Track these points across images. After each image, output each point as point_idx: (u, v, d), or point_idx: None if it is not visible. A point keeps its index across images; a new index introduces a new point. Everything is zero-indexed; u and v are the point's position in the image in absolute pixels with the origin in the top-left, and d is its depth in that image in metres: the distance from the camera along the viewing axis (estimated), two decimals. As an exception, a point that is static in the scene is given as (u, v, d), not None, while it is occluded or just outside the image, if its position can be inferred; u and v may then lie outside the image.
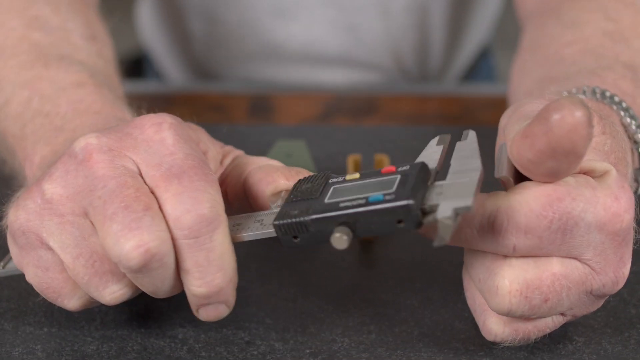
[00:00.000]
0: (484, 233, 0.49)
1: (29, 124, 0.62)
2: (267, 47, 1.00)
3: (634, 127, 0.59)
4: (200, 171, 0.50)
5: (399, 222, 0.47)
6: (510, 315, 0.50)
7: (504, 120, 0.54)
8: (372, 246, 0.65)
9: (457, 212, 0.46)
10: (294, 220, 0.49)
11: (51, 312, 0.59)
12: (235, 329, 0.58)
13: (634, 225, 0.51)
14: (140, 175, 0.51)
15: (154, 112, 0.55)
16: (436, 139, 0.54)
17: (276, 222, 0.50)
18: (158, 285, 0.51)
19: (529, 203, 0.48)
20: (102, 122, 0.59)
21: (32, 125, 0.62)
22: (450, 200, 0.47)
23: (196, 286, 0.50)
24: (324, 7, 0.97)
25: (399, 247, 0.65)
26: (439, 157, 0.52)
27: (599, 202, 0.49)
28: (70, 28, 0.69)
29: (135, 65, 1.19)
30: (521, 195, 0.49)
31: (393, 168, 0.50)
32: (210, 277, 0.50)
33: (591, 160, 0.51)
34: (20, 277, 0.62)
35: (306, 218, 0.49)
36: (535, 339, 0.53)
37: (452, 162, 0.50)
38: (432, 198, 0.48)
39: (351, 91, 0.90)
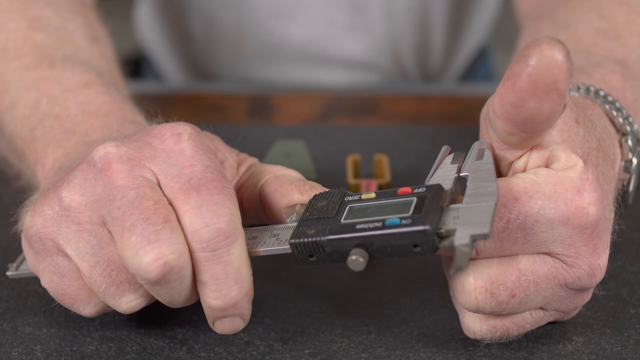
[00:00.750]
0: None
1: (38, 127, 0.62)
2: (267, 48, 1.00)
3: (620, 119, 0.59)
4: (219, 184, 0.50)
5: (415, 246, 0.47)
6: (479, 311, 0.51)
7: (483, 110, 0.54)
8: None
9: (474, 239, 0.46)
10: (310, 239, 0.50)
11: (50, 313, 0.59)
12: (235, 329, 0.58)
13: (607, 215, 0.51)
14: (159, 185, 0.51)
15: (157, 113, 0.55)
16: (450, 157, 0.53)
17: (292, 241, 0.50)
18: (175, 296, 0.51)
19: None
20: (112, 124, 0.60)
21: (42, 128, 0.62)
22: (467, 226, 0.47)
23: (212, 298, 0.50)
24: (323, 7, 0.97)
25: (398, 247, 0.65)
26: (454, 177, 0.52)
27: (560, 197, 0.49)
28: (72, 29, 0.69)
29: (134, 66, 1.19)
30: None
31: (409, 189, 0.50)
32: (227, 290, 0.50)
33: (559, 148, 0.51)
34: (20, 277, 0.62)
35: (323, 238, 0.49)
36: (518, 336, 0.54)
37: (469, 183, 0.50)
38: (449, 222, 0.48)
39: (351, 91, 0.90)
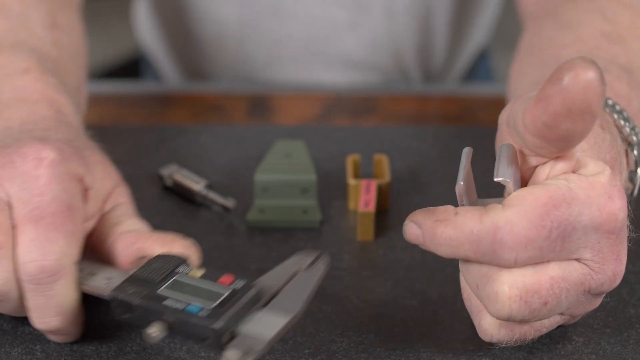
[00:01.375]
0: (483, 249, 0.49)
1: None
2: (267, 47, 1.00)
3: (627, 129, 0.59)
4: (59, 220, 0.52)
5: (205, 339, 0.48)
6: (510, 320, 0.51)
7: (504, 114, 0.54)
8: (371, 247, 0.65)
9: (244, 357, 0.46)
10: (123, 297, 0.51)
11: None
12: (235, 329, 0.57)
13: (628, 223, 0.51)
14: (10, 207, 0.53)
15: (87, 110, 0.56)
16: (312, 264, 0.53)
17: (112, 293, 0.52)
18: (7, 311, 0.55)
19: (527, 215, 0.48)
20: (35, 114, 0.60)
21: None
22: (244, 341, 0.47)
23: (35, 323, 0.54)
24: (323, 6, 0.97)
25: (398, 247, 0.65)
26: (287, 277, 0.52)
27: (593, 203, 0.49)
28: (31, 16, 0.70)
29: (133, 66, 1.19)
30: (518, 208, 0.49)
31: (231, 278, 0.51)
32: (49, 319, 0.54)
33: (586, 155, 0.51)
34: (19, 278, 0.62)
35: (133, 301, 0.51)
36: (532, 339, 0.53)
37: (285, 288, 0.51)
38: (244, 327, 0.48)
39: (351, 91, 0.90)
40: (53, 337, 0.56)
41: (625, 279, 0.62)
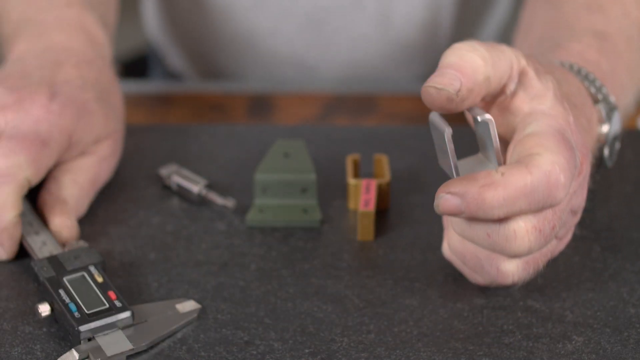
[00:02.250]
0: (539, 197, 0.53)
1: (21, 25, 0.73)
2: (272, 17, 0.99)
3: (593, 89, 0.64)
4: (30, 144, 0.63)
5: (70, 334, 0.56)
6: (530, 252, 0.54)
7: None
8: (371, 246, 0.65)
9: None
10: (36, 270, 0.59)
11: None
12: (235, 329, 0.58)
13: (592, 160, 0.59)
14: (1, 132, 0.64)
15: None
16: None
17: (32, 262, 0.60)
18: None
19: (560, 151, 0.53)
20: (72, 42, 0.71)
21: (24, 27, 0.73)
22: (91, 348, 0.55)
23: None
24: (330, 18, 0.96)
25: (398, 247, 0.65)
26: (159, 312, 0.58)
27: (561, 120, 0.56)
28: None
29: (133, 66, 1.19)
30: (549, 150, 0.53)
31: (115, 297, 0.57)
32: None
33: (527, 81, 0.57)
34: (19, 277, 0.62)
35: (40, 276, 0.59)
36: (543, 267, 0.57)
37: (151, 321, 0.57)
38: (102, 337, 0.56)
39: (351, 91, 0.90)
40: None
41: (625, 279, 0.62)
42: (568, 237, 0.60)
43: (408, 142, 0.77)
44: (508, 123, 0.57)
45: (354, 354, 0.55)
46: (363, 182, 0.67)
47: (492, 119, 0.55)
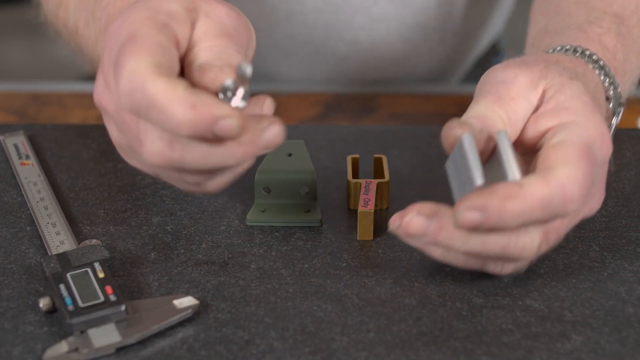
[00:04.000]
0: (554, 208, 0.55)
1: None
2: (280, 42, 0.99)
3: (607, 84, 0.65)
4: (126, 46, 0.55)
5: (66, 324, 0.57)
6: (535, 257, 0.58)
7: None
8: (370, 246, 0.65)
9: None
10: (43, 266, 0.60)
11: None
12: (235, 328, 0.58)
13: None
14: None
15: None
16: None
17: (42, 258, 0.61)
18: None
19: (579, 166, 0.55)
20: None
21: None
22: (82, 340, 0.56)
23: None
24: (345, 14, 0.96)
25: (397, 247, 0.65)
26: (154, 308, 0.59)
27: (597, 138, 0.58)
28: None
29: None
30: (568, 164, 0.55)
31: (111, 291, 0.58)
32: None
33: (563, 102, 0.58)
34: (20, 277, 0.62)
35: (46, 272, 0.60)
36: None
37: (144, 315, 0.58)
38: (94, 330, 0.57)
39: (351, 91, 0.90)
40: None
41: (623, 278, 0.62)
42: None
43: (408, 142, 0.77)
44: (537, 136, 0.59)
45: (353, 352, 0.56)
46: (363, 182, 0.68)
47: (505, 132, 0.56)
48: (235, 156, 0.54)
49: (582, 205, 0.56)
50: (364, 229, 0.66)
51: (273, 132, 0.56)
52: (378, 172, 0.71)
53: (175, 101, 0.53)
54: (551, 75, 0.59)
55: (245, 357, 0.55)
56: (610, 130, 0.66)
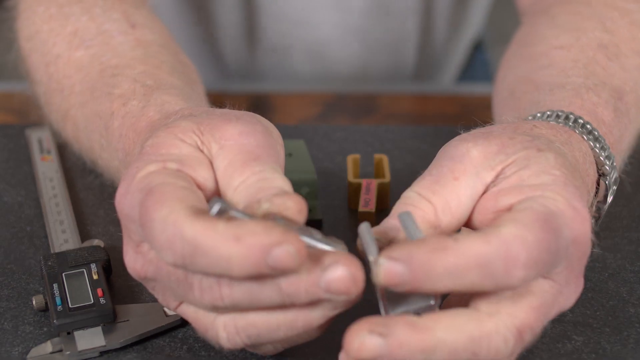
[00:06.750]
0: (494, 271, 0.46)
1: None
2: (279, 45, 0.99)
3: (602, 158, 0.57)
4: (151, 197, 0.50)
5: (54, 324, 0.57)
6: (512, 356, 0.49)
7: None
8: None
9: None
10: (42, 265, 0.60)
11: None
12: (235, 329, 0.58)
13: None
14: None
15: None
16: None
17: (42, 256, 0.61)
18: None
19: (532, 227, 0.47)
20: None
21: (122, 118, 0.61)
22: (67, 342, 0.56)
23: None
24: (332, 10, 0.96)
25: (398, 246, 0.65)
26: (143, 313, 0.58)
27: (568, 216, 0.49)
28: (109, 29, 0.68)
29: None
30: (518, 222, 0.47)
31: (102, 294, 0.58)
32: None
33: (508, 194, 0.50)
34: (19, 277, 0.62)
35: (42, 270, 0.60)
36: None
37: (131, 321, 0.57)
38: (81, 332, 0.57)
39: (351, 91, 0.90)
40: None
41: (624, 278, 0.62)
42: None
43: (408, 142, 0.77)
44: (497, 212, 0.51)
45: (354, 353, 0.55)
46: (363, 182, 0.68)
47: (406, 213, 0.51)
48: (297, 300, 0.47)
49: (535, 275, 0.47)
50: (365, 229, 0.65)
51: (337, 274, 0.47)
52: (379, 172, 0.71)
53: (218, 238, 0.45)
54: (513, 149, 0.52)
55: (245, 358, 0.55)
56: (603, 211, 0.60)
